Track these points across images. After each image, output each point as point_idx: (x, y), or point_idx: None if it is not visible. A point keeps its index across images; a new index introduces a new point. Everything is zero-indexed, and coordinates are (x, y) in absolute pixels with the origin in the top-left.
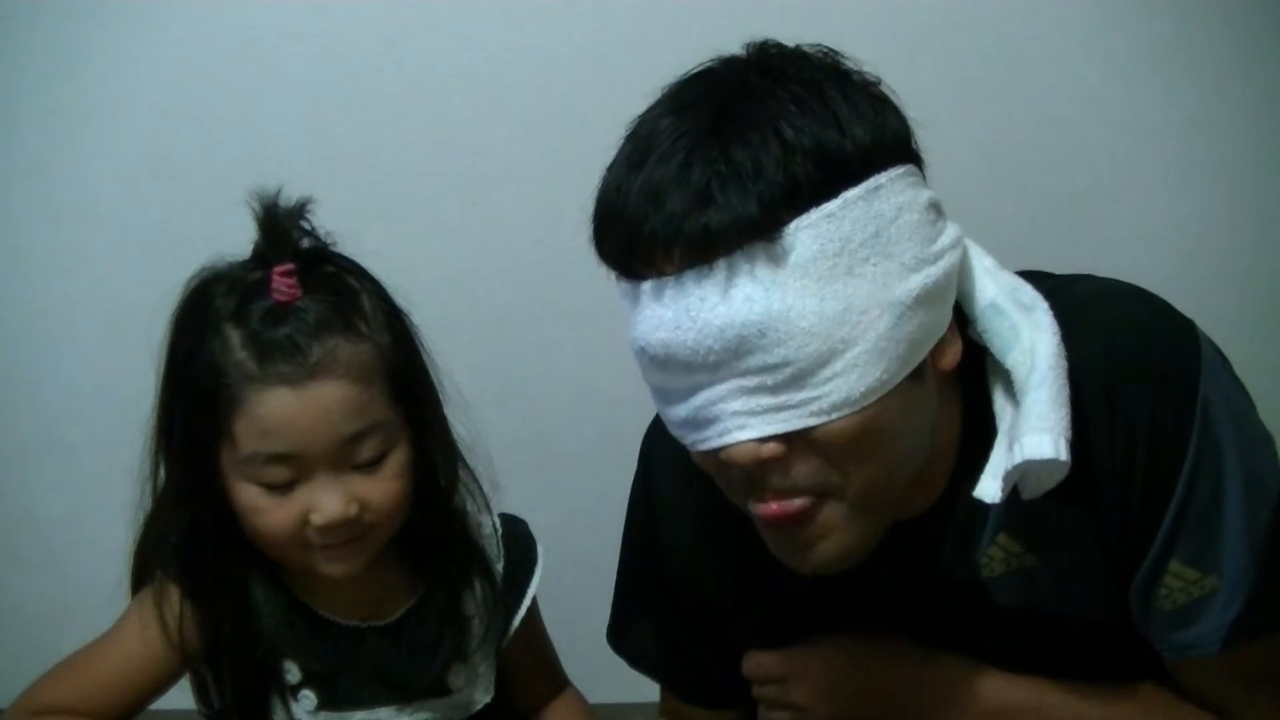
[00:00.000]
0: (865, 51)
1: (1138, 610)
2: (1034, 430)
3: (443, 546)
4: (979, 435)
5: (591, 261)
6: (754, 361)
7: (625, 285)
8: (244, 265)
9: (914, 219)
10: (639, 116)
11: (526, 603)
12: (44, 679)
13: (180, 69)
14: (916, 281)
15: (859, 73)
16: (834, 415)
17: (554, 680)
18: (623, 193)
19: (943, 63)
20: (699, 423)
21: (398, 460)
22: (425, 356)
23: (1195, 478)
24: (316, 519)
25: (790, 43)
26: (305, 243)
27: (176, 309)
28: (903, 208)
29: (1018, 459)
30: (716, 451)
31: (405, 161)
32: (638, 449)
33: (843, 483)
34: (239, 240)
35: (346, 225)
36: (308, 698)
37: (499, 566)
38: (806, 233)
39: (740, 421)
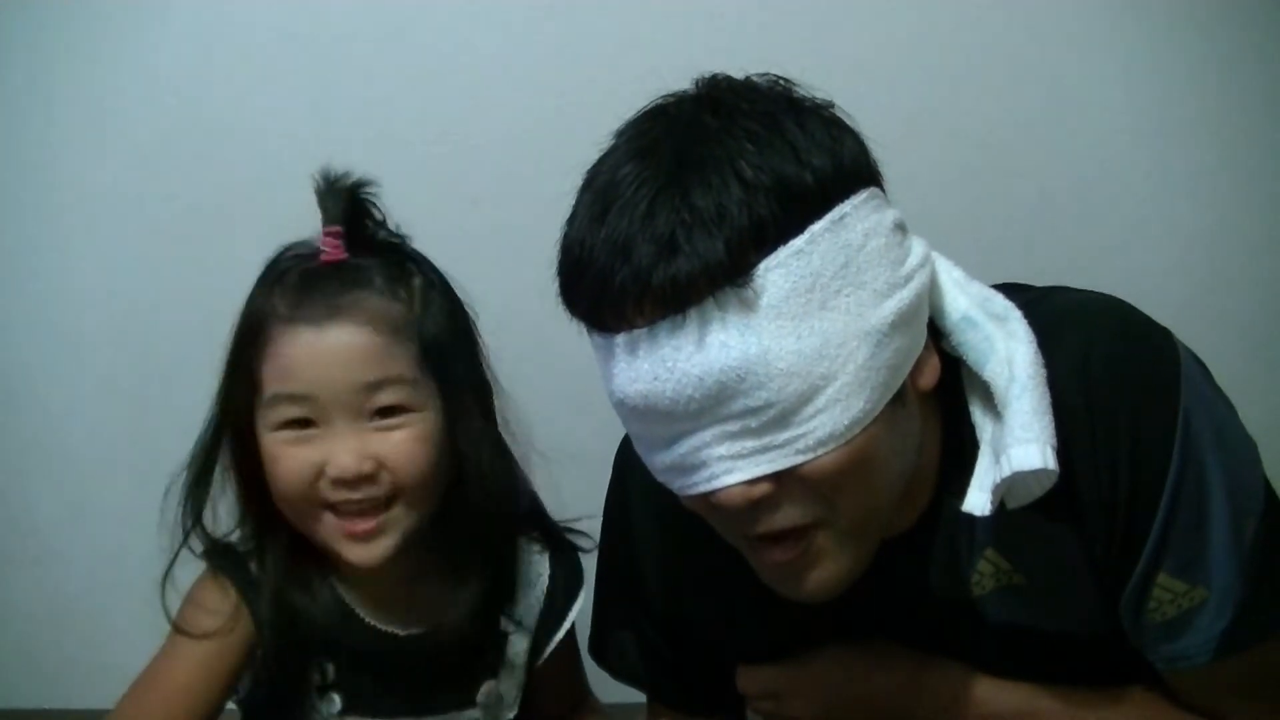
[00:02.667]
0: (863, 51)
1: (1128, 622)
2: (1020, 441)
3: (486, 552)
4: (960, 448)
5: None
6: (736, 406)
7: (597, 339)
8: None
9: (881, 243)
10: (594, 166)
11: (566, 626)
12: (122, 703)
13: (182, 66)
14: (890, 307)
15: (811, 99)
16: (820, 451)
17: (577, 696)
18: (587, 247)
19: (940, 61)
20: (685, 469)
21: (422, 425)
22: (481, 352)
23: (1180, 490)
24: (331, 470)
25: (785, 47)
26: (381, 235)
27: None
28: (869, 233)
29: (1006, 471)
30: (706, 496)
31: (405, 161)
32: None
33: (832, 513)
34: (237, 242)
35: None
36: (333, 700)
37: (544, 587)
38: (776, 273)
39: (727, 465)
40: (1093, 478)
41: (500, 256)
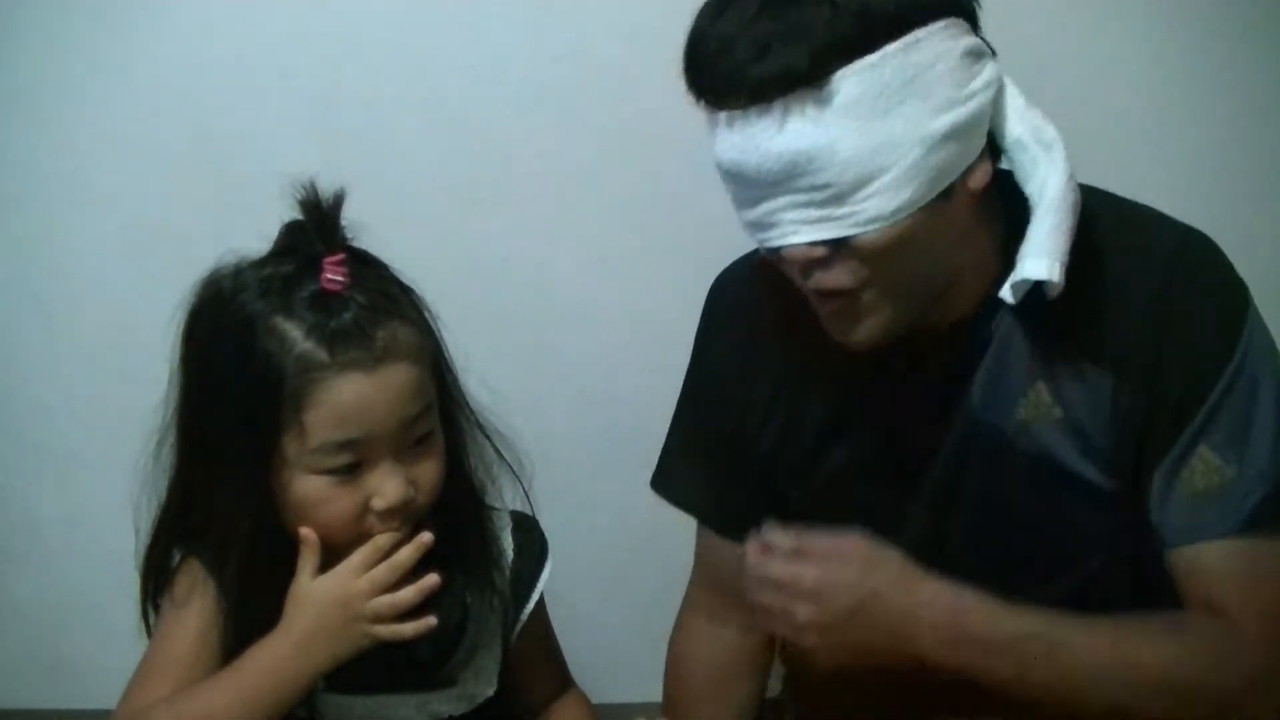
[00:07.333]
0: None
1: (1159, 492)
2: (1033, 254)
3: (464, 536)
4: (1018, 246)
5: (593, 262)
6: (803, 182)
7: (707, 112)
8: (267, 262)
9: (949, 66)
10: None
11: (535, 598)
12: (129, 690)
13: (181, 68)
14: (947, 120)
15: None
16: (868, 228)
17: (559, 678)
18: (703, 39)
19: None
20: (763, 225)
21: (440, 441)
22: (441, 336)
23: (1236, 379)
24: (379, 504)
25: None
26: (357, 247)
27: (194, 318)
28: (940, 57)
29: (1017, 277)
30: (777, 250)
31: (405, 161)
32: (639, 449)
33: (877, 278)
34: (240, 240)
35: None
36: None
37: (509, 560)
38: (849, 80)
39: (794, 228)
40: (1153, 343)
41: (500, 256)
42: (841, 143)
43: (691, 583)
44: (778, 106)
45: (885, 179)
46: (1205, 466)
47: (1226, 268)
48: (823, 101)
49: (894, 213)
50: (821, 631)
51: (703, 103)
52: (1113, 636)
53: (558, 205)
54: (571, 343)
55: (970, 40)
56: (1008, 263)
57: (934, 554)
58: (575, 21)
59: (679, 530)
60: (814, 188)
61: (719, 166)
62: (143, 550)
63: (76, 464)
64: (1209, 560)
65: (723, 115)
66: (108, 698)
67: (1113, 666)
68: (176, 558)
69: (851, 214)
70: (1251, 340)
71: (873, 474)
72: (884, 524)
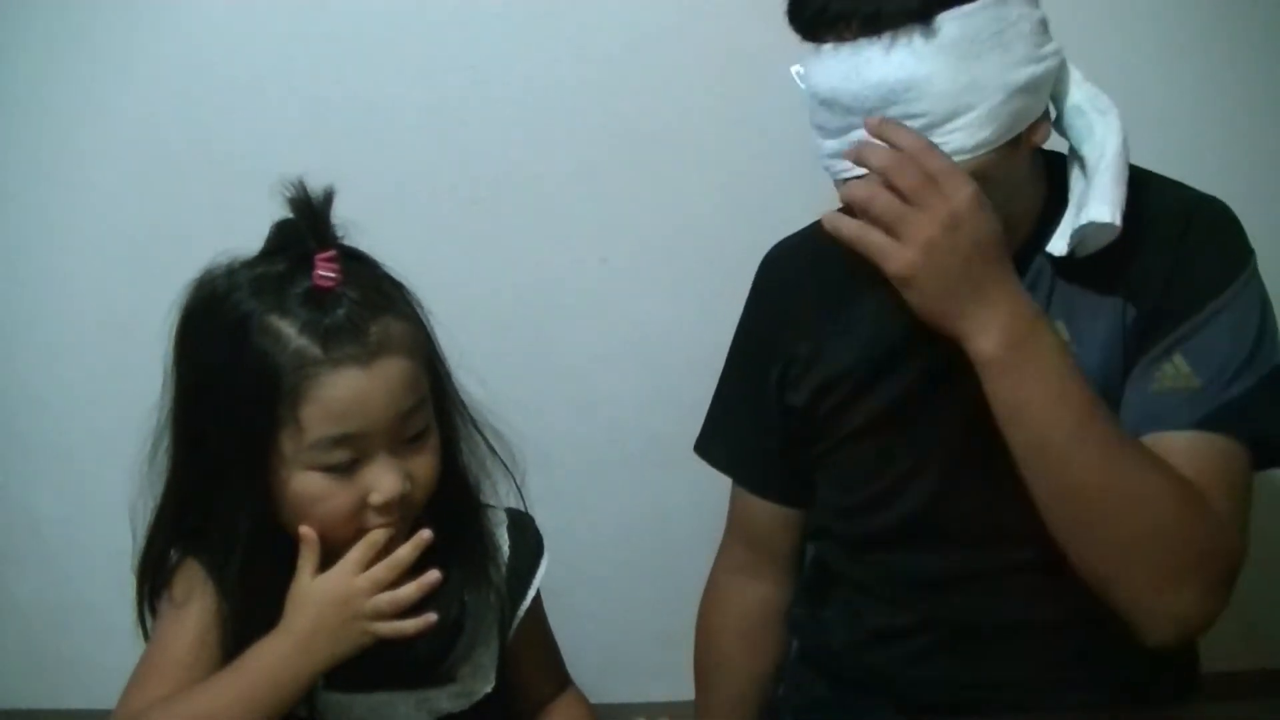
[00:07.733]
0: None
1: (1129, 386)
2: (1097, 200)
3: (462, 534)
4: (1055, 209)
5: (591, 262)
6: (897, 110)
7: (809, 45)
8: (259, 261)
9: (1028, 27)
10: None
11: (531, 594)
12: (127, 691)
13: (181, 68)
14: (1024, 73)
15: None
16: (952, 158)
17: (557, 676)
18: None
19: None
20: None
21: (434, 436)
22: (433, 332)
23: (1223, 310)
24: (376, 498)
25: None
26: (347, 244)
27: (188, 318)
28: (1021, 17)
29: (1083, 220)
30: (861, 177)
31: (405, 162)
32: (639, 449)
33: None
34: (237, 240)
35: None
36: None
37: (505, 558)
38: (951, 23)
39: None
40: (1163, 266)
41: (500, 256)
42: (937, 76)
43: (725, 541)
44: (886, 37)
45: (971, 115)
46: (1176, 371)
47: (1240, 226)
48: (926, 37)
49: (975, 147)
50: (926, 257)
51: (806, 35)
52: (1141, 445)
53: (558, 205)
54: (571, 343)
55: (1042, 13)
56: (1044, 224)
57: (946, 498)
58: (575, 21)
59: (678, 530)
60: (907, 116)
61: (814, 96)
62: (139, 552)
63: (76, 464)
64: (1170, 448)
65: (827, 45)
66: (107, 698)
67: (1124, 462)
68: (175, 559)
69: (939, 144)
70: (1247, 288)
71: (898, 423)
72: (904, 466)
